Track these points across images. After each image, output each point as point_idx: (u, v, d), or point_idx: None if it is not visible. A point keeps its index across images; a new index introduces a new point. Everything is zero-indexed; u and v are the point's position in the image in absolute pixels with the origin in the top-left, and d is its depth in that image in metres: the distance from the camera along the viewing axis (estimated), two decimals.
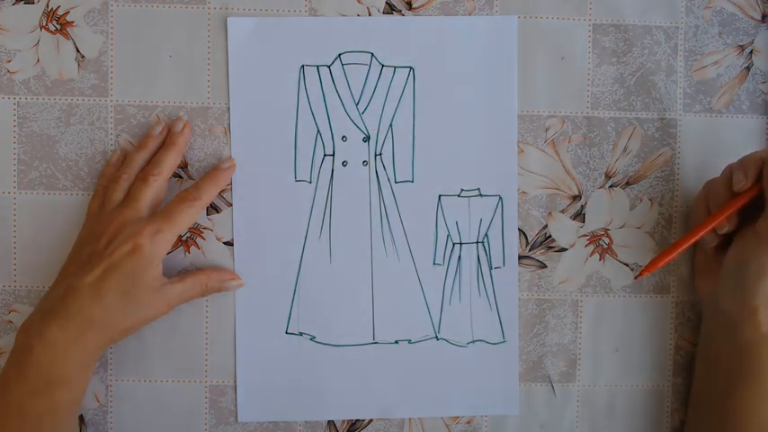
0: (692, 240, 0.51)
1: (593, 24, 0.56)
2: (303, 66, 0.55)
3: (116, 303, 0.49)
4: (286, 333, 0.56)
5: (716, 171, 0.54)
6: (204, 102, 0.55)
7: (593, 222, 0.57)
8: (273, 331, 0.56)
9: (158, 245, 0.50)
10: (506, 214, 0.56)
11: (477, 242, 0.56)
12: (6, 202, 0.55)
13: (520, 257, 0.56)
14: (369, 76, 0.55)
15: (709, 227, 0.51)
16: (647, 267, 0.52)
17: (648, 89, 0.56)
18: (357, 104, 0.55)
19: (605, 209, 0.56)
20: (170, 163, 0.53)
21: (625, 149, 0.56)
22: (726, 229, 0.51)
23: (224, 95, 0.55)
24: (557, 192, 0.56)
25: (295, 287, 0.56)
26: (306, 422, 0.56)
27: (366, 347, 0.56)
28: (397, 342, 0.56)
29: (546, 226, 0.56)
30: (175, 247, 0.55)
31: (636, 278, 0.54)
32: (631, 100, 0.56)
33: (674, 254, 0.51)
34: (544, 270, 0.57)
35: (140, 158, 0.53)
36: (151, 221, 0.50)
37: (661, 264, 0.51)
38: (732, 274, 0.50)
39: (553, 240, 0.56)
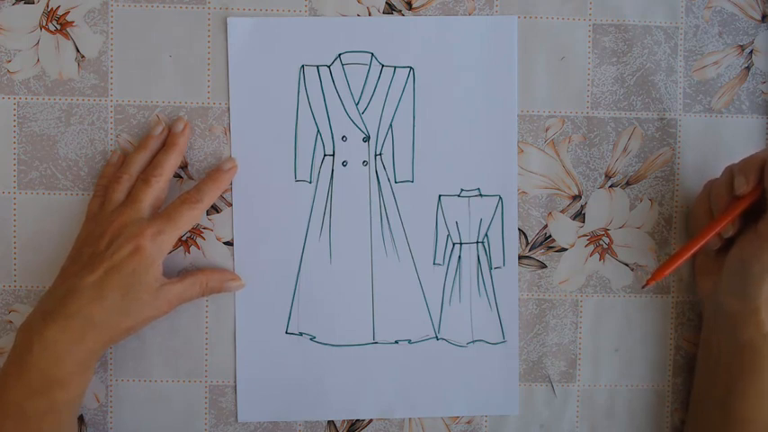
0: (698, 245, 0.50)
1: (593, 24, 0.56)
2: (303, 66, 0.55)
3: (117, 304, 0.49)
4: (286, 333, 0.56)
5: (716, 171, 0.54)
6: (204, 102, 0.55)
7: (593, 222, 0.57)
8: (273, 331, 0.56)
9: (160, 246, 0.50)
10: (506, 214, 0.56)
11: (477, 242, 0.56)
12: (6, 202, 0.55)
13: (520, 257, 0.56)
14: (369, 76, 0.55)
15: (714, 231, 0.50)
16: (654, 275, 0.51)
17: (648, 89, 0.56)
18: (357, 104, 0.55)
19: (605, 209, 0.56)
20: (171, 164, 0.53)
21: (625, 149, 0.56)
22: (730, 233, 0.51)
23: (224, 95, 0.55)
24: (557, 192, 0.56)
25: (295, 287, 0.56)
26: (306, 422, 0.56)
27: (366, 347, 0.56)
28: (397, 342, 0.56)
29: (546, 226, 0.56)
30: (175, 247, 0.55)
31: (643, 287, 0.54)
32: (631, 100, 0.56)
33: (681, 261, 0.50)
34: (544, 270, 0.57)
35: (141, 159, 0.53)
36: (153, 222, 0.50)
37: (668, 271, 0.51)
38: (734, 274, 0.50)
39: (553, 240, 0.56)
